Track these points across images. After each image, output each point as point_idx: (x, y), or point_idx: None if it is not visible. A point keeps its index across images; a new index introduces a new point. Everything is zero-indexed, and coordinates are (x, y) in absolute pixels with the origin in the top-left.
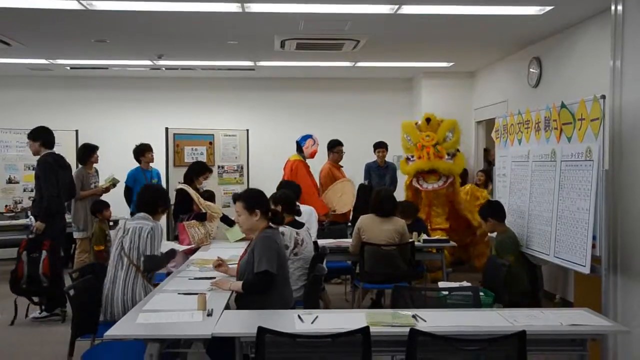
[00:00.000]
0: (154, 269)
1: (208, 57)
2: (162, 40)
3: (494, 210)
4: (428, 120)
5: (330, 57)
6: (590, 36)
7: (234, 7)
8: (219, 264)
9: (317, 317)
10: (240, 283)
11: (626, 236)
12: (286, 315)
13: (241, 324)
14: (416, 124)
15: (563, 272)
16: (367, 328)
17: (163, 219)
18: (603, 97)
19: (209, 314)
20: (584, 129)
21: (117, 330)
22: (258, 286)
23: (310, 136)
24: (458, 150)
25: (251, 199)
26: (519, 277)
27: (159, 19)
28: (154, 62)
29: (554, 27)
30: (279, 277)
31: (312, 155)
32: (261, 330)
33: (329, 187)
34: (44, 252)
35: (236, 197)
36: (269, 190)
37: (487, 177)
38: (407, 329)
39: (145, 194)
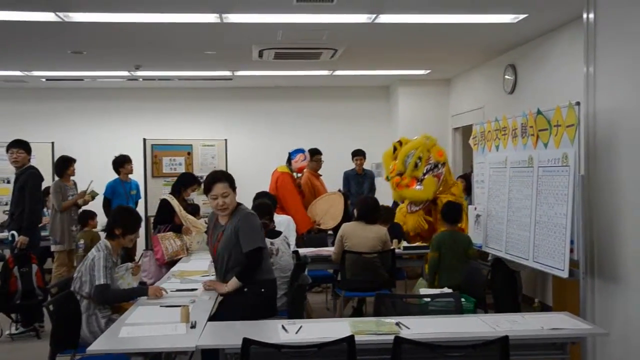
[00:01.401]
0: (106, 300)
1: (186, 67)
2: (140, 51)
3: (444, 210)
4: (400, 143)
5: (308, 66)
6: (564, 43)
7: (212, 18)
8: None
9: (301, 327)
10: (234, 280)
11: (602, 240)
12: (270, 325)
13: (225, 335)
14: (395, 147)
15: (541, 276)
16: (352, 337)
17: (142, 229)
18: (578, 103)
19: (193, 326)
20: (560, 135)
21: (99, 345)
22: (254, 264)
23: (302, 151)
24: (425, 174)
25: (231, 178)
26: (442, 272)
27: (137, 30)
28: (131, 73)
29: (528, 35)
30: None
31: (300, 170)
32: (246, 341)
33: (319, 197)
34: (34, 266)
35: (215, 179)
36: (248, 199)
37: (468, 183)
38: (392, 337)
39: (109, 216)
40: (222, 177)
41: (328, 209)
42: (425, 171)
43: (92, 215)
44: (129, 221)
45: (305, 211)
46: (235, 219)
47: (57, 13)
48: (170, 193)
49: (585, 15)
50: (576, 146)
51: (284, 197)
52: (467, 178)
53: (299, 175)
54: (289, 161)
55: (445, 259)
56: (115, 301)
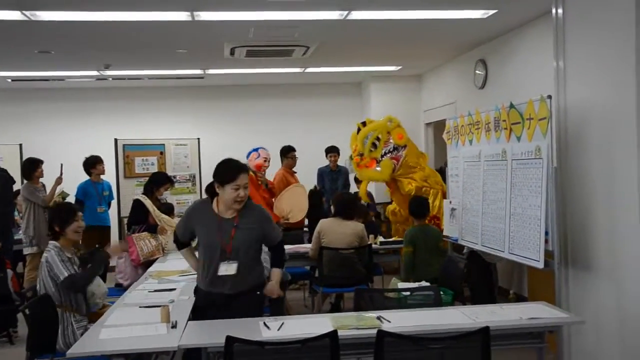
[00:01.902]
0: (78, 287)
1: (157, 66)
2: (110, 50)
3: (411, 206)
4: (364, 123)
5: (280, 64)
6: (533, 38)
7: (183, 16)
8: None
9: (283, 323)
10: (278, 272)
11: (575, 231)
12: (252, 323)
13: (207, 334)
14: (359, 128)
15: (517, 268)
16: (335, 332)
17: (115, 230)
18: (549, 97)
19: (174, 326)
20: (532, 128)
21: (80, 348)
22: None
23: (256, 150)
24: (383, 156)
25: None
26: (417, 266)
27: (107, 29)
28: (101, 72)
29: (498, 30)
30: None
31: (258, 168)
32: (229, 339)
33: (280, 194)
34: (10, 271)
35: (241, 169)
36: None
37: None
38: (374, 331)
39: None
40: (245, 167)
41: (293, 203)
42: (383, 153)
43: None
44: (61, 213)
45: (267, 207)
46: (250, 213)
47: (24, 12)
48: (142, 193)
49: (554, 11)
50: (549, 139)
51: None
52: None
53: (259, 173)
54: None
55: (419, 253)
56: (86, 282)
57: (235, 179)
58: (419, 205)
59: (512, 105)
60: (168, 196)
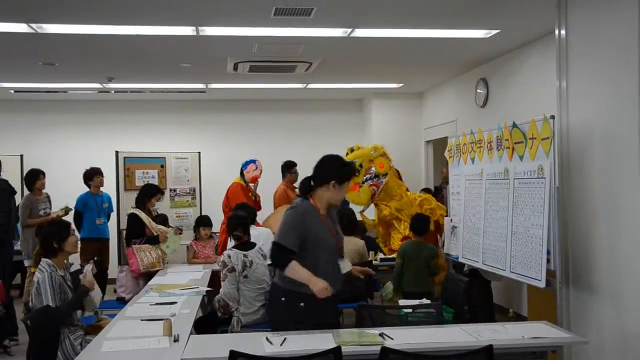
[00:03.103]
0: (57, 320)
1: (160, 79)
2: (114, 63)
3: (412, 222)
4: (352, 149)
5: (282, 79)
6: (535, 58)
7: (188, 31)
8: None
9: (285, 338)
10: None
11: (577, 250)
12: (254, 338)
13: (210, 348)
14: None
15: (516, 286)
16: (338, 348)
17: (114, 242)
18: (552, 117)
19: (176, 340)
20: (535, 148)
21: None
22: None
23: (253, 161)
24: (363, 183)
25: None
26: (405, 279)
27: (112, 42)
28: (104, 85)
29: (500, 50)
30: None
31: (253, 180)
32: (233, 354)
33: (270, 215)
34: None
35: (355, 170)
36: (222, 211)
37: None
38: (377, 348)
39: (39, 239)
40: None
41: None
42: (364, 179)
43: None
44: (58, 229)
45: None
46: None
47: (30, 24)
48: (135, 207)
49: (557, 31)
50: (552, 158)
51: (233, 206)
52: (429, 192)
53: (252, 185)
54: (242, 173)
55: (408, 267)
56: (66, 315)
57: (349, 179)
58: (419, 222)
59: (514, 125)
60: (166, 209)
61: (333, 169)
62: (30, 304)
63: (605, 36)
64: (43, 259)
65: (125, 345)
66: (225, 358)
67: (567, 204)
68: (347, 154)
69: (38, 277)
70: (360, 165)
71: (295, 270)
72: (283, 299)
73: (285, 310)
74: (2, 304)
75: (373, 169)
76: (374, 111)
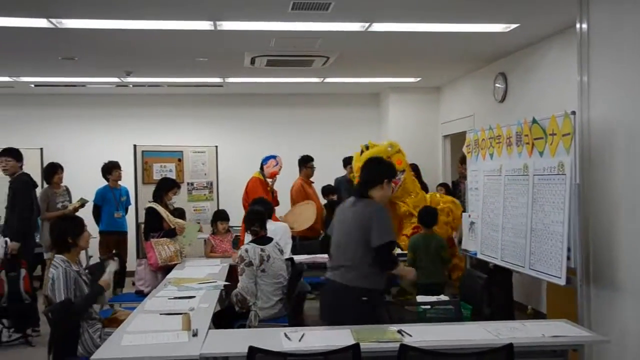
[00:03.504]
0: (72, 315)
1: (177, 74)
2: (132, 57)
3: (421, 214)
4: (367, 147)
5: (299, 73)
6: (555, 52)
7: (206, 25)
8: None
9: (303, 334)
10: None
11: (598, 247)
12: (272, 333)
13: (228, 343)
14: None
15: (535, 283)
16: (357, 345)
17: (132, 235)
18: (573, 113)
19: (195, 334)
20: (555, 144)
21: (102, 353)
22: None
23: (274, 157)
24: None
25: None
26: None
27: (130, 37)
28: (122, 79)
29: (519, 44)
30: None
31: (272, 176)
32: (252, 349)
33: (288, 212)
34: (23, 271)
35: None
36: (239, 205)
37: (447, 191)
38: (396, 345)
39: (52, 234)
40: None
41: (299, 214)
42: None
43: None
44: (73, 225)
45: (275, 215)
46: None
47: (50, 19)
48: (153, 201)
49: (578, 25)
50: (572, 154)
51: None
52: (446, 187)
53: (271, 180)
54: (261, 167)
55: (419, 260)
56: (81, 310)
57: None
58: (427, 215)
59: (534, 121)
60: (183, 202)
61: (381, 169)
62: (51, 292)
63: (628, 30)
64: (57, 255)
65: (144, 339)
66: (244, 353)
67: (588, 200)
68: (361, 152)
69: (53, 273)
70: None
71: (400, 266)
72: (365, 298)
73: (368, 309)
74: (27, 294)
75: None
76: (391, 105)
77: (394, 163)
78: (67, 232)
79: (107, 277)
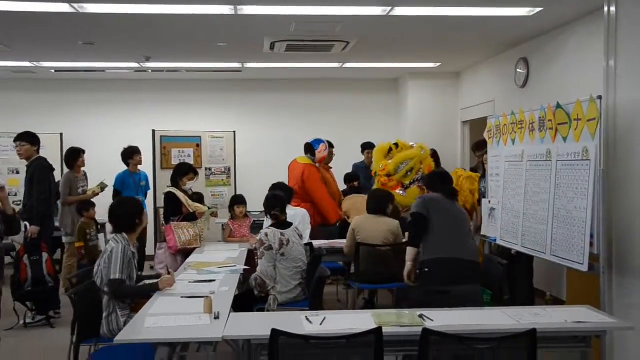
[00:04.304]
0: (118, 295)
1: (196, 59)
2: (151, 42)
3: (432, 180)
4: (396, 145)
5: (318, 59)
6: (579, 37)
7: (226, 10)
8: None
9: (325, 318)
10: None
11: (621, 234)
12: (293, 317)
13: (250, 326)
14: (390, 148)
15: (554, 269)
16: (379, 329)
17: (151, 219)
18: (600, 97)
19: (216, 317)
20: (580, 129)
21: (126, 335)
22: None
23: (322, 141)
24: (411, 184)
25: None
26: None
27: (150, 21)
28: (141, 64)
29: (542, 28)
30: None
31: (321, 161)
32: (275, 332)
33: (348, 197)
34: (45, 254)
35: None
36: (257, 191)
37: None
38: (418, 329)
39: (117, 211)
40: None
41: (354, 204)
42: (412, 180)
43: (92, 205)
44: (135, 204)
45: (333, 201)
46: None
47: (72, 4)
48: (171, 185)
49: (606, 8)
50: (597, 140)
51: (312, 188)
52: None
53: (318, 165)
54: (310, 152)
55: None
56: (128, 297)
57: None
58: (439, 179)
59: (559, 105)
60: (201, 188)
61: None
62: (97, 268)
63: None
64: (121, 233)
65: (167, 321)
66: (267, 336)
67: (612, 186)
68: (389, 149)
69: (112, 247)
70: (412, 169)
71: None
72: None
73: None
74: (50, 276)
75: (422, 170)
76: (410, 91)
77: (425, 168)
78: (133, 211)
79: (170, 279)
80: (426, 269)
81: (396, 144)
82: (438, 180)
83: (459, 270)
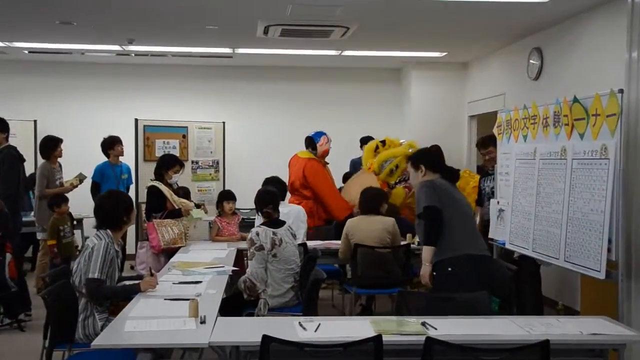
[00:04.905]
0: (96, 296)
1: (183, 42)
2: (135, 23)
3: (427, 157)
4: (383, 143)
5: (315, 45)
6: (598, 26)
7: None
8: None
9: (319, 324)
10: None
11: None
12: (285, 322)
13: (239, 332)
14: (377, 145)
15: (567, 277)
16: (379, 337)
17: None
18: (621, 91)
19: (202, 322)
20: (598, 126)
21: (104, 339)
22: None
23: (324, 133)
24: (396, 184)
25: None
26: None
27: (134, 0)
28: (124, 47)
29: (558, 16)
30: None
31: (323, 154)
32: (266, 339)
33: (349, 181)
34: (8, 255)
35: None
36: (247, 186)
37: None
38: (420, 338)
39: (101, 210)
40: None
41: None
42: (398, 180)
43: (65, 200)
44: (125, 200)
45: (341, 196)
46: None
47: None
48: (155, 179)
49: None
50: (617, 137)
51: (316, 184)
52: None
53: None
54: (311, 146)
55: None
56: (106, 298)
57: None
58: (436, 156)
59: (575, 99)
60: (187, 182)
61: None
62: (76, 266)
63: None
64: (104, 230)
65: (149, 325)
66: (257, 342)
67: (632, 187)
68: (376, 147)
69: (95, 243)
70: (396, 166)
71: None
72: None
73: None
74: (13, 280)
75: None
76: (413, 82)
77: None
78: (123, 208)
79: (153, 281)
80: (450, 269)
81: (383, 142)
82: (440, 157)
83: (494, 269)
